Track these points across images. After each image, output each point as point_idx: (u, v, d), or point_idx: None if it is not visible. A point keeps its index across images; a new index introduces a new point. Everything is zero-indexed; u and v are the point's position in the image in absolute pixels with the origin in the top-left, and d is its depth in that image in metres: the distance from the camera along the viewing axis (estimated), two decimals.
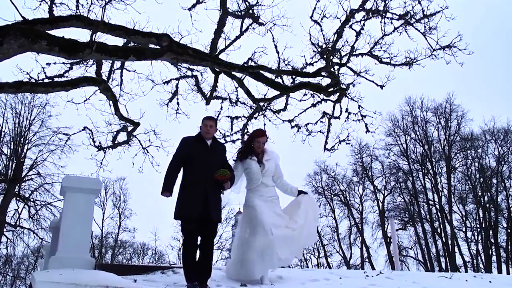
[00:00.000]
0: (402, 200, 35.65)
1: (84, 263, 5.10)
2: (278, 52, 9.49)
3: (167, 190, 5.09)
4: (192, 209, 5.00)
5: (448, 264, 31.49)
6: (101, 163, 10.23)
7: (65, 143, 10.86)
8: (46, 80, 8.83)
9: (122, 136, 10.36)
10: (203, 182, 5.08)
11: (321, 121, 10.49)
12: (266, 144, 5.78)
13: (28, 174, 24.50)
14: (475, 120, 42.77)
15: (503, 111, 60.41)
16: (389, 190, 36.40)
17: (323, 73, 8.70)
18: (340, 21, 9.02)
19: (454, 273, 6.83)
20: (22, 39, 5.13)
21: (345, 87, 9.62)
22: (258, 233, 5.22)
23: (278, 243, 5.14)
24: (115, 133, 10.15)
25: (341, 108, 10.25)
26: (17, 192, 23.44)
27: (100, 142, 10.16)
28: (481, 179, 33.56)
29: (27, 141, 24.92)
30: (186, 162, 5.23)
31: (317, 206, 6.17)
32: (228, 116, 10.53)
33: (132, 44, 8.13)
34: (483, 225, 32.86)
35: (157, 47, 6.63)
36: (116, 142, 9.96)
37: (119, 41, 8.25)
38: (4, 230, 23.05)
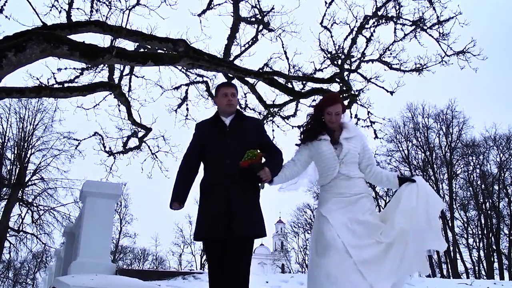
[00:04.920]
0: None
1: (105, 268, 5.07)
2: (287, 58, 9.51)
3: (175, 199, 3.48)
4: (210, 226, 3.35)
5: (450, 270, 31.46)
6: (111, 168, 10.25)
7: (76, 148, 10.84)
8: (56, 86, 8.86)
9: (132, 142, 10.41)
10: (222, 182, 3.38)
11: None
12: (345, 117, 3.82)
13: (31, 179, 24.49)
14: (477, 127, 43.14)
15: (505, 118, 60.77)
16: (390, 196, 36.34)
17: (336, 79, 8.74)
18: (350, 27, 9.07)
19: (475, 279, 6.82)
20: (44, 44, 5.14)
21: (356, 93, 9.65)
22: (328, 255, 3.35)
23: (364, 268, 3.31)
24: (125, 138, 10.18)
25: (350, 114, 10.27)
26: (20, 197, 23.37)
27: (110, 148, 10.19)
28: (483, 186, 33.62)
29: (30, 146, 24.94)
30: (203, 157, 3.57)
31: (436, 196, 3.76)
32: None
33: (142, 49, 8.19)
34: (485, 232, 32.89)
35: (174, 52, 6.66)
36: (127, 147, 9.98)
37: (128, 45, 8.28)
38: (7, 235, 23.01)
